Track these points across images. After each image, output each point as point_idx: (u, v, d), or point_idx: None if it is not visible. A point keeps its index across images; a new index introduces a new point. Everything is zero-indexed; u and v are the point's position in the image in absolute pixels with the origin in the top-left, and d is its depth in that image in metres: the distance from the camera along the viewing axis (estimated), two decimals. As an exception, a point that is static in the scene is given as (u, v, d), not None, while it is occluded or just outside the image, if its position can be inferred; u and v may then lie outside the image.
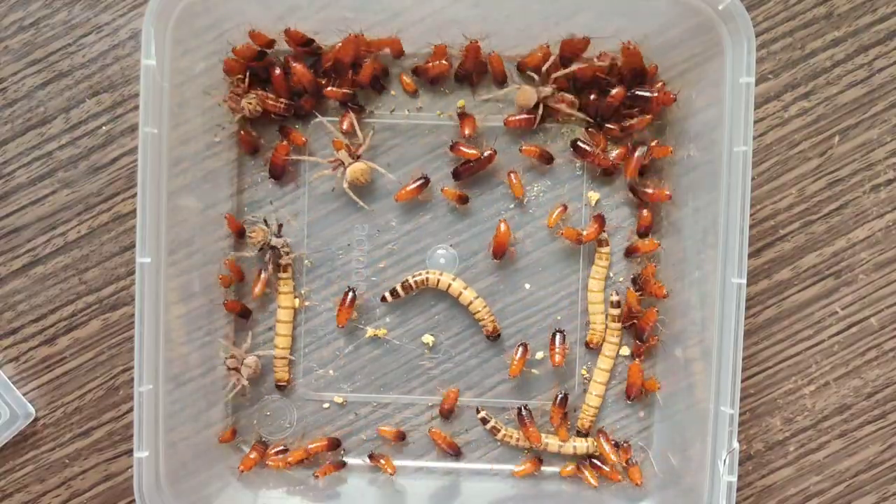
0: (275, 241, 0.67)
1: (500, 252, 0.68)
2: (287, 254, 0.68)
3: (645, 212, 0.68)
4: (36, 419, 0.69)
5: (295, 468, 0.69)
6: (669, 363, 0.68)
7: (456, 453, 0.69)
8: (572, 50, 0.66)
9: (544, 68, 0.66)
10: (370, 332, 0.69)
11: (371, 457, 0.69)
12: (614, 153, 0.68)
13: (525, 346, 0.69)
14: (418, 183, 0.68)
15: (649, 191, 0.67)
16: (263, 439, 0.69)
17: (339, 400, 0.70)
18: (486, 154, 0.67)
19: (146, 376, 0.60)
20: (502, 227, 0.68)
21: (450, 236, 0.69)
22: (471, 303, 0.68)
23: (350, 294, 0.68)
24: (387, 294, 0.68)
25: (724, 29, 0.59)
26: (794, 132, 0.69)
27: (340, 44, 0.66)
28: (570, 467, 0.69)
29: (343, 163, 0.67)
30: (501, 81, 0.68)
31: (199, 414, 0.67)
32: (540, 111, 0.67)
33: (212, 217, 0.67)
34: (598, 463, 0.68)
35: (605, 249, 0.68)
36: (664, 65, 0.66)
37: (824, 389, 0.70)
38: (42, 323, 0.70)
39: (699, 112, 0.64)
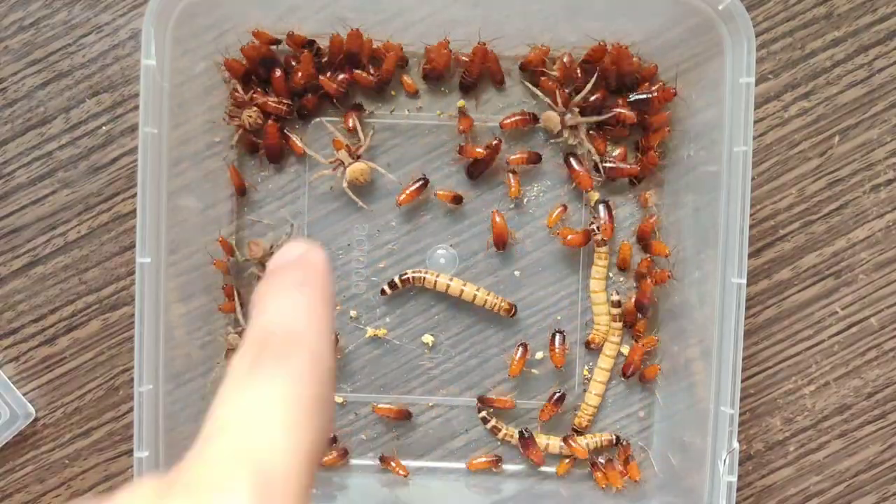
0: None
1: (502, 242, 0.68)
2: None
3: (652, 218, 0.68)
4: (36, 419, 0.69)
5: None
6: (669, 363, 0.68)
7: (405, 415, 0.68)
8: (597, 57, 0.66)
9: (576, 99, 0.66)
10: (370, 332, 0.69)
11: (382, 459, 0.69)
12: (615, 153, 0.68)
13: (525, 346, 0.69)
14: (418, 184, 0.68)
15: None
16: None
17: (340, 400, 0.70)
18: (493, 143, 0.67)
19: (146, 376, 0.60)
20: (497, 218, 0.68)
21: (450, 236, 0.69)
22: (475, 297, 0.68)
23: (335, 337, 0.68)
24: (385, 287, 0.68)
25: (724, 29, 0.59)
26: (794, 132, 0.69)
27: (346, 37, 0.66)
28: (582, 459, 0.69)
29: (343, 163, 0.67)
30: (500, 82, 0.68)
31: (199, 414, 0.67)
32: (566, 135, 0.67)
33: (212, 217, 0.68)
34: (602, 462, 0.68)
35: (603, 249, 0.68)
36: (664, 65, 0.66)
37: (824, 389, 0.70)
38: (42, 323, 0.70)
39: (699, 112, 0.64)
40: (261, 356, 0.31)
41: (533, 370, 0.70)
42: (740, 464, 0.63)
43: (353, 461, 0.70)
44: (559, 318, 0.70)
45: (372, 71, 0.68)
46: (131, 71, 0.69)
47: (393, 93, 0.69)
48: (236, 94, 0.66)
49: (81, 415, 0.70)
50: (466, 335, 0.70)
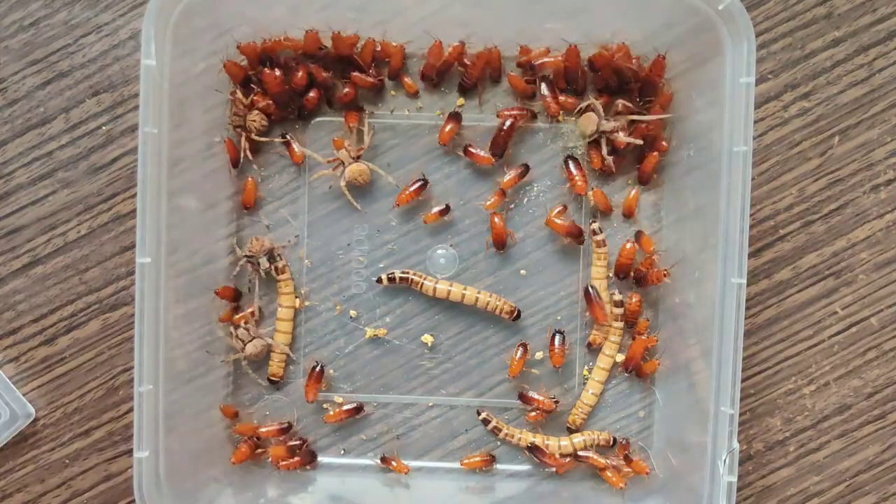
0: (265, 262, 0.67)
1: (501, 243, 0.68)
2: (280, 256, 0.68)
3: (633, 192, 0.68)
4: (36, 419, 0.69)
5: (290, 467, 0.69)
6: (669, 363, 0.68)
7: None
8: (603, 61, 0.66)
9: (617, 108, 0.67)
10: (370, 332, 0.69)
11: (383, 459, 0.69)
12: (611, 158, 0.68)
13: (525, 346, 0.69)
14: (417, 185, 0.68)
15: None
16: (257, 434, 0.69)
17: (339, 400, 0.70)
18: (508, 124, 0.67)
19: (146, 376, 0.59)
20: (496, 219, 0.68)
21: (450, 236, 0.69)
22: (476, 300, 0.68)
23: (318, 368, 0.68)
24: (383, 276, 0.68)
25: (724, 29, 0.59)
26: (794, 132, 0.69)
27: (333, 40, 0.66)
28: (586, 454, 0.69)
29: (343, 162, 0.67)
30: (498, 79, 0.68)
31: (199, 414, 0.67)
32: (604, 145, 0.67)
33: (212, 217, 0.68)
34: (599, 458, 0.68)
35: (602, 250, 0.68)
36: (663, 65, 0.66)
37: (824, 389, 0.70)
38: (42, 323, 0.70)
39: (699, 112, 0.64)
40: None
41: (533, 370, 0.70)
42: (740, 464, 0.63)
43: (354, 461, 0.70)
44: (559, 318, 0.69)
45: (373, 72, 0.68)
46: (131, 71, 0.69)
47: (393, 93, 0.69)
48: (237, 96, 0.66)
49: (81, 415, 0.70)
50: (466, 335, 0.70)
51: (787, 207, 0.69)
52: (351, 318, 0.69)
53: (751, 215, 0.59)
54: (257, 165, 0.69)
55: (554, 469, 0.69)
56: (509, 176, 0.68)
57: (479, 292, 0.68)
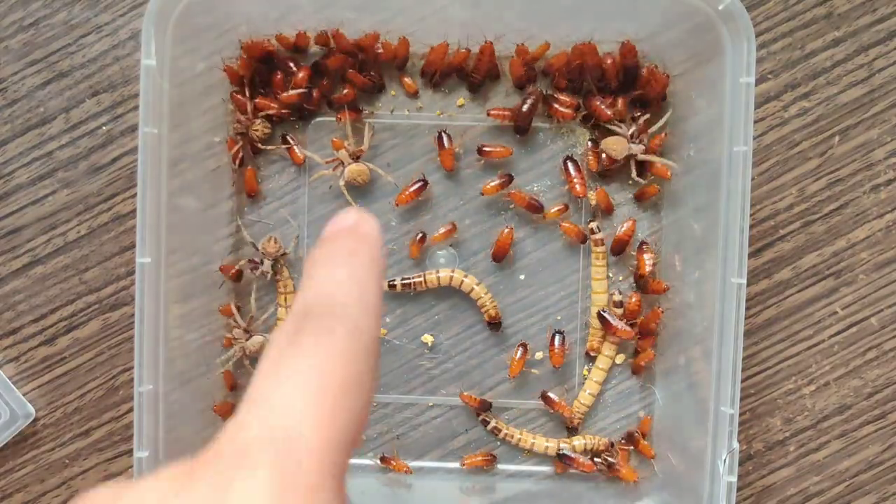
0: (266, 266, 0.67)
1: (501, 256, 0.68)
2: (284, 255, 0.68)
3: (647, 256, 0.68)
4: (36, 419, 0.69)
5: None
6: (669, 363, 0.68)
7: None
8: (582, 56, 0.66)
9: (650, 131, 0.67)
10: (370, 332, 0.69)
11: (383, 459, 0.69)
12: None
13: (525, 346, 0.69)
14: (416, 185, 0.68)
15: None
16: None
17: (339, 400, 0.69)
18: (527, 106, 0.67)
19: (146, 376, 0.59)
20: (505, 230, 0.68)
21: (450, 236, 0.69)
22: (472, 290, 0.68)
23: None
24: (396, 281, 0.68)
25: (724, 29, 0.59)
26: (794, 132, 0.69)
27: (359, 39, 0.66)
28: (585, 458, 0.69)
29: (343, 162, 0.68)
30: (497, 77, 0.68)
31: (199, 414, 0.67)
32: (633, 168, 0.67)
33: (212, 217, 0.68)
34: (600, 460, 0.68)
35: (600, 249, 0.68)
36: (664, 65, 0.66)
37: (824, 389, 0.70)
38: (42, 323, 0.70)
39: (699, 112, 0.64)
40: (301, 329, 0.30)
41: (533, 370, 0.70)
42: (740, 464, 0.63)
43: (353, 461, 0.70)
44: (559, 318, 0.70)
45: (373, 74, 0.68)
46: (131, 71, 0.69)
47: (393, 93, 0.69)
48: (238, 98, 0.66)
49: (81, 415, 0.70)
50: (466, 335, 0.70)
51: (787, 207, 0.69)
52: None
53: (751, 215, 0.59)
54: (257, 166, 0.69)
55: (554, 469, 0.69)
56: (493, 183, 0.68)
57: (477, 284, 0.68)
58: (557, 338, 0.68)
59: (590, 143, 0.68)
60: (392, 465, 0.68)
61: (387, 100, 0.69)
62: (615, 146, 0.66)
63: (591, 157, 0.68)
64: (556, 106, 0.67)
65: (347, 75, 0.67)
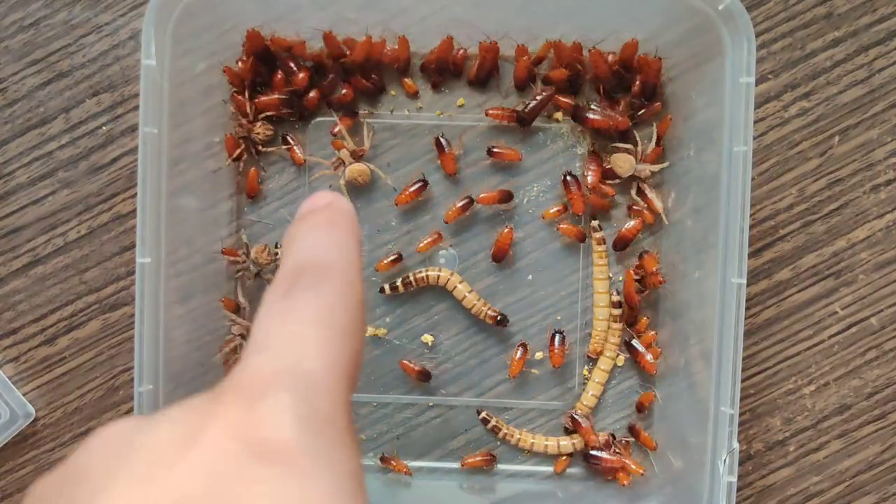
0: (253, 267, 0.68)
1: (501, 256, 0.68)
2: (277, 255, 0.68)
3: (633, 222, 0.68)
4: (36, 419, 0.69)
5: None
6: (669, 363, 0.68)
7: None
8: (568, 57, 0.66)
9: (647, 151, 0.67)
10: (370, 331, 0.69)
11: (383, 459, 0.69)
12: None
13: (525, 346, 0.69)
14: (416, 186, 0.68)
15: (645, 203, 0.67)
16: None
17: (339, 400, 0.69)
18: (542, 96, 0.67)
19: (146, 376, 0.60)
20: (505, 230, 0.68)
21: (450, 236, 0.69)
22: (464, 297, 0.68)
23: None
24: (386, 287, 0.68)
25: (724, 29, 0.59)
26: (794, 132, 0.69)
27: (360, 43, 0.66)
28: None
29: (344, 162, 0.68)
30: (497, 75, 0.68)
31: (199, 414, 0.67)
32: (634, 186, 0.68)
33: (212, 217, 0.68)
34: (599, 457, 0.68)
35: (601, 248, 0.68)
36: (664, 65, 0.66)
37: (824, 389, 0.70)
38: (42, 323, 0.70)
39: (699, 112, 0.64)
40: (297, 285, 0.33)
41: (533, 370, 0.70)
42: (740, 464, 0.63)
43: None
44: (559, 318, 0.70)
45: (374, 77, 0.68)
46: (131, 71, 0.69)
47: (393, 93, 0.69)
48: (239, 100, 0.66)
49: (81, 415, 0.70)
50: (466, 335, 0.70)
51: (787, 207, 0.69)
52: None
53: (751, 215, 0.59)
54: (259, 166, 0.69)
55: (554, 469, 0.69)
56: (487, 194, 0.68)
57: (469, 291, 0.68)
58: (557, 338, 0.68)
59: (589, 154, 0.68)
60: (392, 466, 0.68)
61: (387, 100, 0.69)
62: (622, 164, 0.66)
63: (591, 170, 0.68)
64: (557, 115, 0.67)
65: (350, 79, 0.67)
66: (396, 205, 0.68)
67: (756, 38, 0.60)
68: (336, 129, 0.68)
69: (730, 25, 0.58)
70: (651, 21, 0.64)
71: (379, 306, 0.69)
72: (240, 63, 0.66)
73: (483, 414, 0.69)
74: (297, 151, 0.68)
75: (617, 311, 0.68)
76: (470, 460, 0.69)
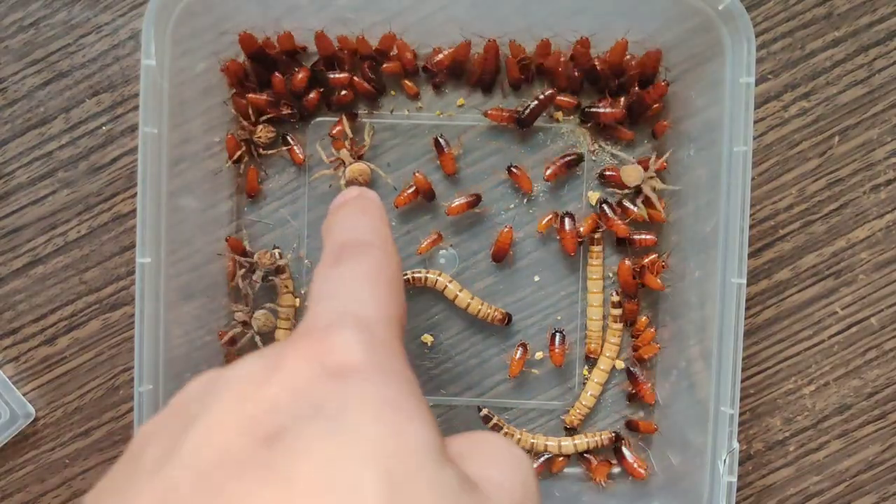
0: (257, 276, 0.68)
1: (501, 256, 0.68)
2: (280, 255, 0.68)
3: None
4: (36, 419, 0.69)
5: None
6: (669, 363, 0.68)
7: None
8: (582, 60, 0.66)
9: (654, 165, 0.67)
10: (370, 332, 0.69)
11: None
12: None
13: (525, 346, 0.69)
14: (415, 187, 0.68)
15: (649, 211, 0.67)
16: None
17: (339, 400, 0.70)
18: (546, 94, 0.67)
19: (146, 376, 0.60)
20: (505, 230, 0.68)
21: (450, 236, 0.69)
22: (468, 305, 0.68)
23: None
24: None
25: (724, 29, 0.59)
26: (794, 132, 0.69)
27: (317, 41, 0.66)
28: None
29: (344, 162, 0.68)
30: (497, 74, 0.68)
31: (199, 414, 0.67)
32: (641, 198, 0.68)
33: (212, 217, 0.68)
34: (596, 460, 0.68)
35: (597, 248, 0.68)
36: (664, 65, 0.66)
37: (824, 389, 0.70)
38: (42, 323, 0.70)
39: (699, 112, 0.64)
40: (342, 255, 0.39)
41: (533, 370, 0.70)
42: (740, 464, 0.63)
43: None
44: (559, 318, 0.70)
45: (374, 80, 0.68)
46: (131, 71, 0.69)
47: (393, 93, 0.69)
48: (240, 102, 0.67)
49: (81, 415, 0.70)
50: (466, 335, 0.70)
51: (787, 207, 0.69)
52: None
53: (751, 215, 0.59)
54: (259, 166, 0.69)
55: (553, 469, 0.69)
56: (458, 202, 0.68)
57: (472, 298, 0.68)
58: (558, 337, 0.68)
59: (600, 206, 0.68)
60: None
61: (387, 100, 0.69)
62: (631, 175, 0.66)
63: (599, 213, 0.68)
64: (557, 113, 0.67)
65: (353, 82, 0.67)
66: (396, 206, 0.68)
67: (756, 38, 0.60)
68: (336, 130, 0.68)
69: (730, 25, 0.58)
70: (651, 21, 0.64)
71: (379, 306, 0.69)
72: (227, 64, 0.66)
73: (484, 411, 0.69)
74: (297, 151, 0.68)
75: (617, 312, 0.68)
76: None
